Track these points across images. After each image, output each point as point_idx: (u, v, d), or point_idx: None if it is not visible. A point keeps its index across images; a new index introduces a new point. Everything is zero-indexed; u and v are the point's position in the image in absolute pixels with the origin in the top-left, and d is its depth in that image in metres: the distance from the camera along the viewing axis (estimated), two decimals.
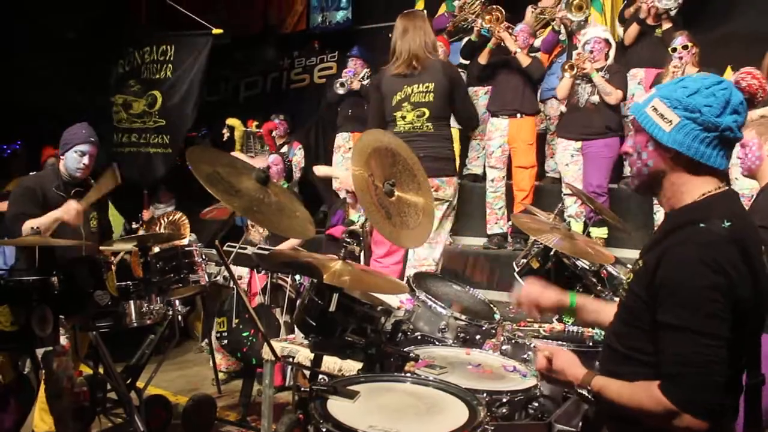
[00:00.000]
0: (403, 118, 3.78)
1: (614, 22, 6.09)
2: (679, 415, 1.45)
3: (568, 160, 5.18)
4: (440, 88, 3.72)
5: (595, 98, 4.99)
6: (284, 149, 6.48)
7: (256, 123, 6.66)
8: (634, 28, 5.49)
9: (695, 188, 1.59)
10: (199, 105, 6.18)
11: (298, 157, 6.52)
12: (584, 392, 1.63)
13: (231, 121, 6.48)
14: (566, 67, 5.05)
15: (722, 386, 1.45)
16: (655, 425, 1.51)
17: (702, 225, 1.50)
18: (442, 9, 6.51)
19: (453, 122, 4.01)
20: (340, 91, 6.24)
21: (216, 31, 5.83)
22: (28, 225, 3.30)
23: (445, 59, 5.80)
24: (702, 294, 1.45)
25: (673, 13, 5.27)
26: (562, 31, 5.78)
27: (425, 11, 3.87)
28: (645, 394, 1.50)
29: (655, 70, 5.16)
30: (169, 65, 6.15)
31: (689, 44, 4.75)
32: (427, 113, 3.73)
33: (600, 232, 5.01)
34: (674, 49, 4.77)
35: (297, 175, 6.39)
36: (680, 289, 1.48)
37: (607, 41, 5.11)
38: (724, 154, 1.58)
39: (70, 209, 3.40)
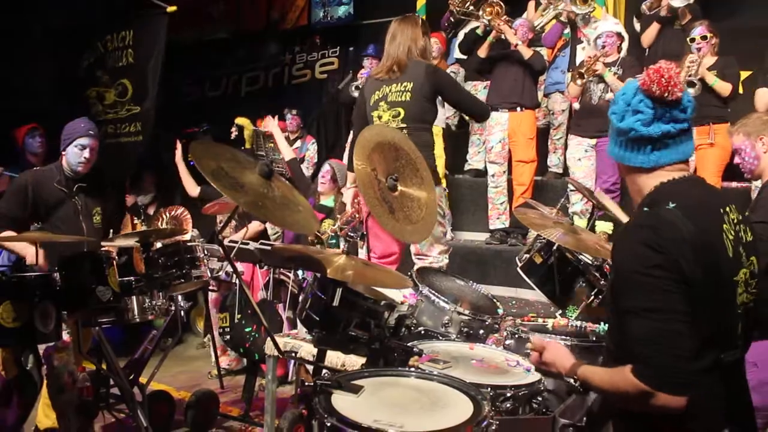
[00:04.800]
0: (380, 117, 3.58)
1: (618, 16, 6.05)
2: (654, 395, 1.47)
3: (581, 155, 5.15)
4: (418, 89, 3.48)
5: (609, 95, 4.89)
6: (297, 144, 6.40)
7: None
8: (654, 28, 5.38)
9: (646, 184, 1.68)
10: (160, 84, 5.95)
11: (310, 152, 6.40)
12: (571, 381, 1.70)
13: (240, 121, 6.39)
14: (575, 74, 4.96)
15: (688, 359, 1.47)
16: (638, 410, 1.54)
17: (645, 209, 1.61)
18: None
19: (439, 121, 3.73)
20: (356, 94, 6.18)
21: (170, 9, 5.64)
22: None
23: (440, 55, 5.79)
24: (646, 273, 1.50)
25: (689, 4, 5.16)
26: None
27: (419, 15, 3.69)
28: (621, 378, 1.53)
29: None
30: (130, 50, 5.97)
31: (708, 34, 4.67)
32: (402, 113, 3.51)
33: (605, 227, 4.99)
34: (693, 39, 4.69)
35: (309, 170, 6.33)
36: (625, 273, 1.55)
37: (619, 35, 5.06)
38: (644, 152, 1.66)
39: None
